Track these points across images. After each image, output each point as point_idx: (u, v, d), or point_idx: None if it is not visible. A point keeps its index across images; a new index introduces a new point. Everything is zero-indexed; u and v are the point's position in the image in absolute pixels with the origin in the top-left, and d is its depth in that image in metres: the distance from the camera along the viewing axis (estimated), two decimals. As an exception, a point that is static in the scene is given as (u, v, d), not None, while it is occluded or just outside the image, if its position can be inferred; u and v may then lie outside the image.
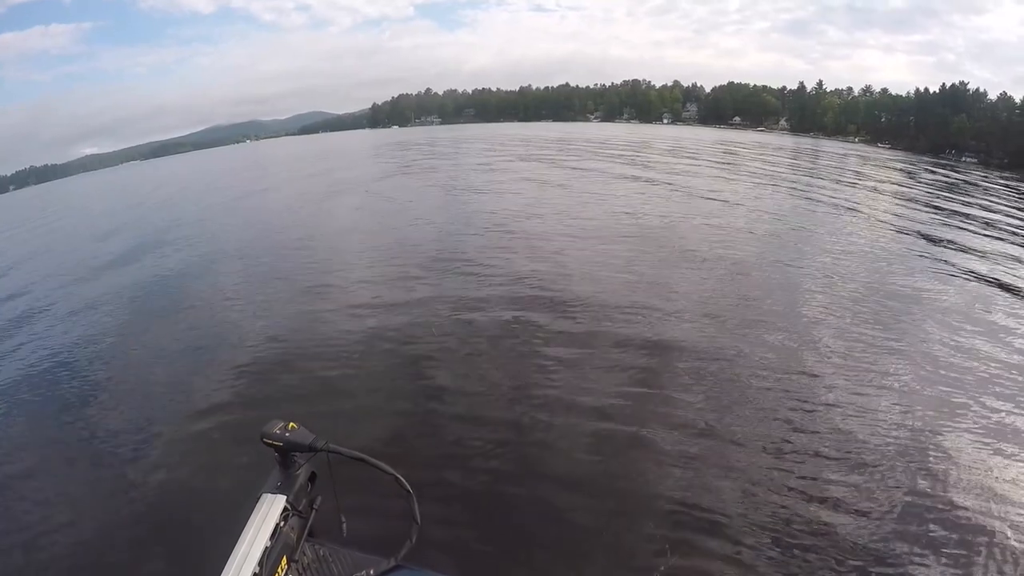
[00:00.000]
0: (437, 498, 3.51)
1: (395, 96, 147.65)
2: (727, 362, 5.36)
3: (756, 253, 9.57)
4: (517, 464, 3.97)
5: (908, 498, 3.59)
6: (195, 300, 8.22)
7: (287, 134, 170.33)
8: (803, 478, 3.77)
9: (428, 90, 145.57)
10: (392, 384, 5.20)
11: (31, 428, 5.14)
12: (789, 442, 4.16)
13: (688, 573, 3.03)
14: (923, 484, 3.72)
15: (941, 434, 4.32)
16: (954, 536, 3.28)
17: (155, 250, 12.10)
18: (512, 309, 6.72)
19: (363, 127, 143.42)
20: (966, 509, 3.49)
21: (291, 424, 1.19)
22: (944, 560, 3.11)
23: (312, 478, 1.23)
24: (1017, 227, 14.56)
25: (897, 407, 4.68)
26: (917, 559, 3.12)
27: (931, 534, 3.29)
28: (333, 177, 24.30)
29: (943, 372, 5.36)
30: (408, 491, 1.21)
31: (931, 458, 4.01)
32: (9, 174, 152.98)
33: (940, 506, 3.52)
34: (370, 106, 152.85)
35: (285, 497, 1.15)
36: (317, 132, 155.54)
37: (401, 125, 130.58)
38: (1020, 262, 10.27)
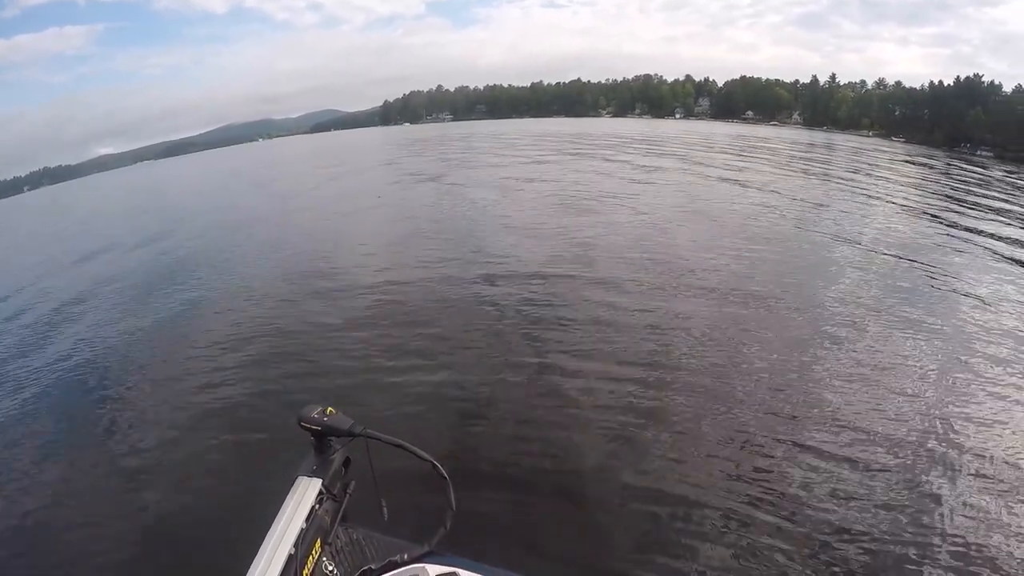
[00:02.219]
0: (471, 486, 3.56)
1: (406, 93, 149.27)
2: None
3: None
4: (551, 456, 4.09)
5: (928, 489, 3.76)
6: (242, 291, 8.80)
7: (300, 132, 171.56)
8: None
9: (440, 87, 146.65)
10: (430, 377, 5.31)
11: (67, 415, 5.43)
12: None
13: (704, 568, 3.12)
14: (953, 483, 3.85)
15: (969, 425, 4.51)
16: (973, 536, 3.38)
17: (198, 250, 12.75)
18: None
19: (375, 124, 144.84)
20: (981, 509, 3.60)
21: (329, 409, 1.18)
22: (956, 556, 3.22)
23: (346, 463, 1.23)
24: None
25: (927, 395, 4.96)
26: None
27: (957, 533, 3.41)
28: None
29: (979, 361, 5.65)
30: (444, 477, 1.21)
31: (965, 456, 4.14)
32: (24, 175, 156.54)
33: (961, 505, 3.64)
34: (381, 103, 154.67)
35: (321, 481, 1.15)
36: (329, 130, 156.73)
37: (412, 122, 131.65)
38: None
